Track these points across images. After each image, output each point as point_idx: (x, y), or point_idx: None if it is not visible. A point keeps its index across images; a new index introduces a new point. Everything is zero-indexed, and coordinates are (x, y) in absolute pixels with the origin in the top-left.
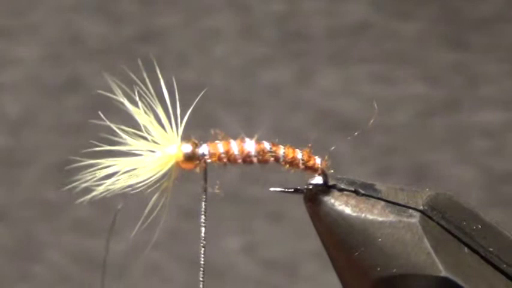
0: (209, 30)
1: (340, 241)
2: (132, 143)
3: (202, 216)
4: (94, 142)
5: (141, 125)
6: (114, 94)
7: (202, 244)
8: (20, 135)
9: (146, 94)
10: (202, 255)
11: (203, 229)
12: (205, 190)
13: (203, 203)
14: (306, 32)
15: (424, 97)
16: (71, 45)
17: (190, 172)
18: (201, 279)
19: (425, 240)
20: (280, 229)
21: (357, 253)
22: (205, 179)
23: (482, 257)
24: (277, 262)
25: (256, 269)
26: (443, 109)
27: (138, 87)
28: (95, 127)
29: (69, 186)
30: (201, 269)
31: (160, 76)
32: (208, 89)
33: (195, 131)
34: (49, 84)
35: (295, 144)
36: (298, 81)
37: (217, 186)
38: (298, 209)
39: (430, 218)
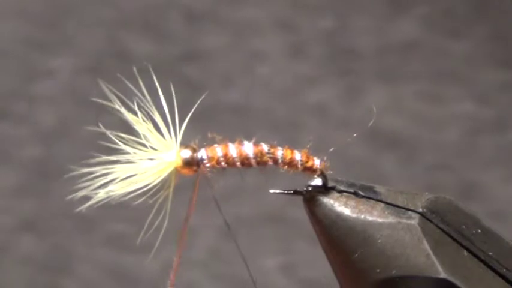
0: (255, 50)
1: (339, 242)
2: (131, 151)
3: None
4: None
5: (140, 133)
6: (116, 103)
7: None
8: (54, 147)
9: (144, 103)
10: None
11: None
12: (192, 198)
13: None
14: (355, 50)
15: (473, 116)
16: (112, 60)
17: (229, 194)
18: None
19: (425, 241)
20: (320, 250)
21: (356, 254)
22: (196, 185)
23: (481, 261)
24: (316, 283)
25: None
26: (492, 128)
27: (136, 97)
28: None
29: (72, 195)
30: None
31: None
32: (253, 110)
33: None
34: (86, 97)
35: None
36: (345, 100)
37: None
38: None
39: (429, 220)
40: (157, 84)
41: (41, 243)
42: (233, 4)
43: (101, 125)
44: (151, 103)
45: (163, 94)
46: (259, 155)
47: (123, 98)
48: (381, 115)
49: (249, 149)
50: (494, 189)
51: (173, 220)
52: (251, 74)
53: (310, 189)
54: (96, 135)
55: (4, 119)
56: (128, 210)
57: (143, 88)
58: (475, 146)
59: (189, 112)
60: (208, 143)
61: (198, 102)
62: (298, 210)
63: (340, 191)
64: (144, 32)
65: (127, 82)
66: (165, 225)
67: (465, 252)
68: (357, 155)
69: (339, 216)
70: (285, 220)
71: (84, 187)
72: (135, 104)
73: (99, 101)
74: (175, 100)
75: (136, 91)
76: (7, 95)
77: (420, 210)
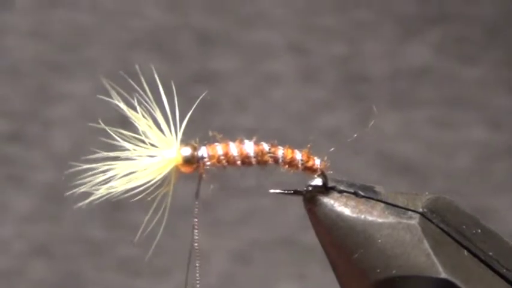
0: (268, 73)
1: (339, 243)
2: (131, 148)
3: (195, 220)
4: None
5: (140, 130)
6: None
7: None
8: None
9: (145, 100)
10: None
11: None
12: (197, 194)
13: (196, 208)
14: (367, 75)
15: (485, 142)
16: (125, 82)
17: (244, 217)
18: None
19: (425, 241)
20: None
21: (356, 255)
22: (199, 182)
23: (481, 261)
24: None
25: None
26: (504, 154)
27: (137, 94)
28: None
29: (72, 191)
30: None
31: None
32: (266, 133)
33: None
34: (100, 119)
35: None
36: (357, 125)
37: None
38: None
39: (429, 220)
40: (158, 81)
41: (53, 268)
42: (246, 27)
43: (100, 121)
44: (153, 101)
45: (174, 111)
46: (259, 154)
47: (128, 99)
48: (392, 140)
49: (249, 147)
50: (507, 215)
51: (184, 243)
52: (263, 97)
53: (310, 189)
54: (107, 159)
55: (18, 141)
56: (139, 233)
57: (148, 92)
58: (487, 172)
59: (200, 131)
60: (209, 141)
61: (201, 97)
62: (313, 234)
63: (341, 191)
64: (157, 54)
65: (129, 79)
66: (159, 233)
67: (465, 252)
68: (369, 180)
69: (339, 216)
70: (300, 244)
71: (85, 183)
72: (136, 100)
73: (102, 97)
74: (176, 100)
75: (139, 89)
76: (22, 117)
77: (420, 210)
